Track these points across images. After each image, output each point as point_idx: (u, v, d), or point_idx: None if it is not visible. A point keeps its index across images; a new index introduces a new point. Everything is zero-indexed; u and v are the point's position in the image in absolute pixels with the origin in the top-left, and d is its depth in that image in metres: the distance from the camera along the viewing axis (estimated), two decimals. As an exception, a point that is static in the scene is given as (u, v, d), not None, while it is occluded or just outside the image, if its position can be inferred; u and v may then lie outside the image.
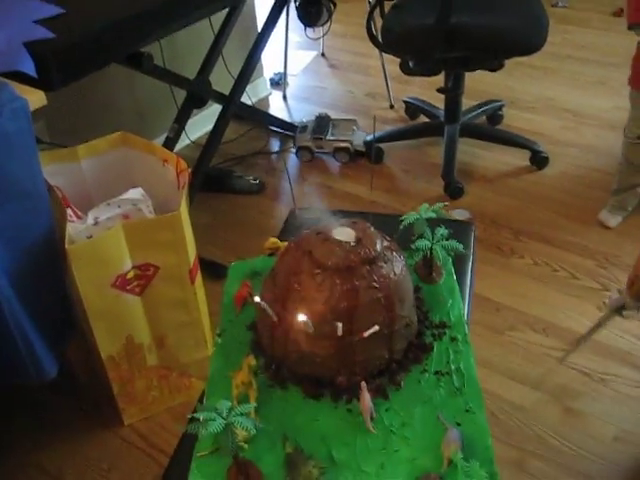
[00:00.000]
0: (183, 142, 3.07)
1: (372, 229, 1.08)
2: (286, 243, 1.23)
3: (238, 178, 2.83)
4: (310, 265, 1.02)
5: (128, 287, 1.69)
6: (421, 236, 1.21)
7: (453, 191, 2.67)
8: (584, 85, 3.48)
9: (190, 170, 1.79)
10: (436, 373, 1.08)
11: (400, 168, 2.93)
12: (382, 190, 2.78)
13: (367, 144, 2.92)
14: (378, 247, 1.05)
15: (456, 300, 1.21)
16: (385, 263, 1.04)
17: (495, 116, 3.13)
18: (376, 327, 0.99)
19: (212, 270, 2.20)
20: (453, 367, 1.08)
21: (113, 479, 1.80)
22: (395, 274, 1.05)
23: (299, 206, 1.44)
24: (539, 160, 2.82)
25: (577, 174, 2.81)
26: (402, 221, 1.23)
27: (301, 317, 0.99)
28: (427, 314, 1.18)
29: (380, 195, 2.75)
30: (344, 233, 1.04)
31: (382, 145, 2.95)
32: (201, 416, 0.88)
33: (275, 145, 3.17)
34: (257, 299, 1.04)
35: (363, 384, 1.02)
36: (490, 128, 3.12)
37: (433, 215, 1.21)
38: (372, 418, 1.01)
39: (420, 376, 1.08)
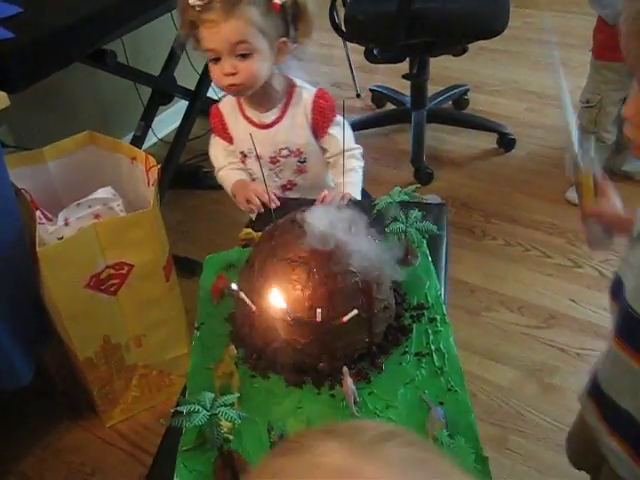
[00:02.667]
0: (151, 140, 3.04)
1: (347, 213, 1.08)
2: (260, 233, 1.22)
3: (207, 174, 2.81)
4: (286, 253, 1.02)
5: (102, 287, 1.67)
6: (395, 219, 1.21)
7: (423, 176, 2.68)
8: (546, 67, 3.50)
9: (159, 167, 1.77)
10: (417, 354, 1.08)
11: (369, 156, 2.86)
12: (352, 179, 2.78)
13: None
14: (353, 231, 1.05)
15: (432, 281, 1.22)
16: (361, 247, 1.04)
17: (461, 101, 3.15)
18: (355, 311, 1.00)
19: (186, 267, 2.18)
20: (433, 347, 1.09)
21: (97, 482, 1.78)
22: (372, 258, 1.05)
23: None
24: (506, 142, 2.85)
25: (543, 154, 2.84)
26: (375, 205, 1.23)
27: (279, 305, 0.99)
28: (404, 296, 1.19)
29: (351, 184, 2.75)
30: (318, 219, 1.04)
31: (350, 134, 2.95)
32: (184, 409, 0.88)
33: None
34: (234, 286, 1.04)
35: (345, 369, 1.02)
36: (457, 112, 3.14)
37: (406, 198, 1.21)
38: (356, 402, 1.01)
39: (401, 358, 1.08)
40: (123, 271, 1.69)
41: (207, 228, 2.62)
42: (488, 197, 2.62)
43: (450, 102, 3.15)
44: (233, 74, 1.42)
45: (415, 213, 1.22)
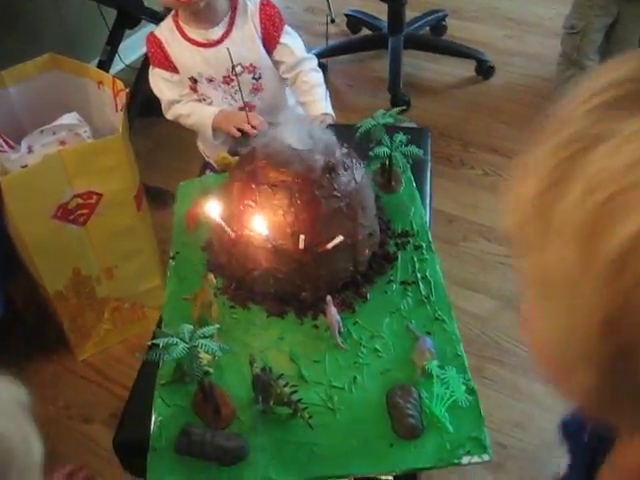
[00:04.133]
0: (117, 66, 2.90)
1: (329, 135, 1.02)
2: (237, 158, 1.16)
3: (177, 101, 2.70)
4: (267, 176, 0.96)
5: (71, 217, 1.60)
6: (379, 143, 1.15)
7: (400, 103, 2.59)
8: (527, -8, 3.42)
9: (128, 91, 1.68)
10: (402, 283, 1.05)
11: (344, 83, 2.84)
12: (327, 106, 2.70)
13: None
14: (337, 154, 0.99)
15: (417, 208, 1.18)
16: (345, 171, 0.99)
17: (439, 27, 3.05)
18: (340, 237, 0.95)
19: (157, 197, 2.11)
20: (419, 276, 1.05)
21: (72, 416, 1.75)
22: (356, 182, 1.00)
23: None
24: (485, 70, 2.77)
25: (523, 83, 2.78)
26: (358, 129, 1.17)
27: (260, 232, 0.94)
28: (389, 223, 1.14)
29: (325, 112, 2.67)
30: (300, 140, 0.98)
31: (324, 60, 2.84)
32: (162, 342, 0.83)
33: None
34: (212, 214, 0.98)
35: (329, 298, 0.98)
36: (435, 39, 3.04)
37: (390, 121, 1.15)
38: (340, 332, 0.98)
39: (386, 287, 1.05)
40: (92, 200, 1.62)
41: (177, 158, 2.52)
42: (466, 126, 2.56)
43: (427, 28, 3.04)
44: None
45: (400, 137, 1.17)
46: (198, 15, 1.44)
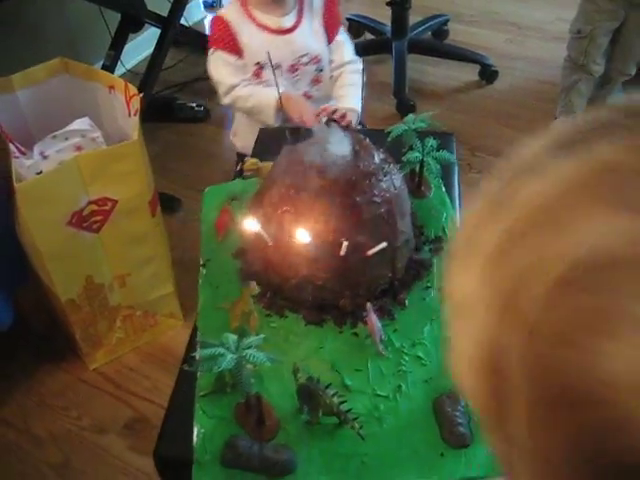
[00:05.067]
0: (118, 71, 2.87)
1: (368, 140, 1.01)
2: (267, 164, 1.14)
3: (182, 106, 2.68)
4: (308, 181, 0.95)
5: (85, 224, 1.57)
6: (411, 148, 1.14)
7: (405, 109, 2.60)
8: (526, -3, 3.43)
9: (141, 95, 1.66)
10: (440, 289, 1.03)
11: (349, 89, 2.83)
12: (332, 112, 2.69)
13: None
14: (376, 159, 0.98)
15: (449, 213, 1.17)
16: (385, 176, 0.98)
17: (441, 31, 3.05)
18: (384, 243, 0.93)
19: (165, 203, 2.08)
20: (457, 281, 1.03)
21: (85, 427, 1.71)
22: (395, 187, 0.98)
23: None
24: (489, 74, 2.78)
25: (525, 87, 2.78)
26: (389, 134, 1.16)
27: (302, 238, 0.92)
28: (422, 229, 1.13)
29: (331, 117, 2.66)
30: (341, 145, 0.96)
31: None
32: (207, 353, 0.81)
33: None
34: (250, 223, 0.96)
35: (369, 305, 0.97)
36: (439, 43, 3.04)
37: (423, 125, 1.14)
38: (381, 340, 0.96)
39: (424, 293, 1.03)
40: (107, 207, 1.59)
41: (184, 163, 2.51)
42: (472, 130, 2.56)
43: (429, 33, 3.04)
44: None
45: (431, 141, 1.15)
46: (268, 2, 1.46)
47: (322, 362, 0.95)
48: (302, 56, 1.50)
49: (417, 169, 1.16)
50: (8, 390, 1.81)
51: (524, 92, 2.75)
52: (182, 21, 2.90)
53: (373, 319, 0.95)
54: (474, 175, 2.37)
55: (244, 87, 1.53)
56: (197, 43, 3.02)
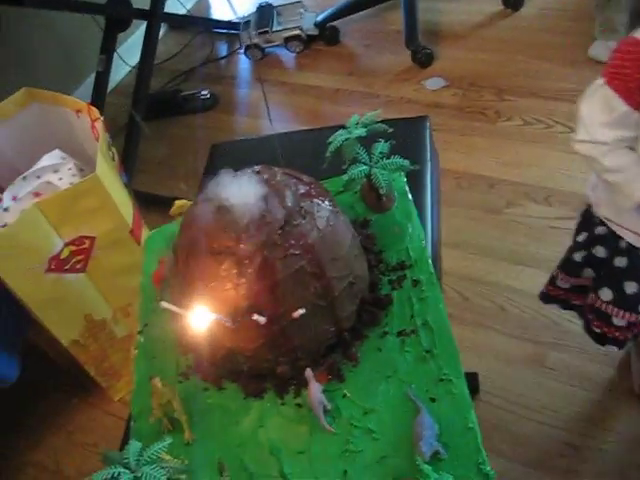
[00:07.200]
0: (123, 70, 2.77)
1: (280, 176, 0.84)
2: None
3: (187, 97, 2.55)
4: (208, 245, 0.80)
5: (66, 267, 1.50)
6: (355, 160, 0.96)
7: (422, 58, 2.36)
8: None
9: (102, 119, 1.54)
10: (399, 334, 0.87)
11: (360, 44, 2.61)
12: (344, 74, 2.48)
13: (319, 25, 2.59)
14: (289, 200, 0.81)
15: (415, 227, 0.98)
16: (303, 218, 0.81)
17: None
18: (301, 311, 0.78)
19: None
20: (419, 322, 0.87)
21: (111, 465, 1.67)
22: (319, 229, 0.82)
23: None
24: (513, 0, 2.47)
25: (557, 8, 2.46)
26: (328, 145, 0.98)
27: (210, 315, 0.78)
28: (381, 255, 0.96)
29: (343, 80, 2.46)
30: (243, 194, 0.81)
31: (336, 23, 2.61)
32: (97, 477, 0.70)
33: (222, 50, 2.84)
34: (163, 304, 0.82)
35: (308, 372, 0.82)
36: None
37: (363, 133, 0.95)
38: (326, 412, 0.82)
39: (380, 342, 0.87)
40: (85, 245, 1.51)
41: (196, 159, 2.39)
42: (499, 70, 2.29)
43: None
44: None
45: (380, 147, 0.97)
46: None
47: (259, 447, 0.82)
48: None
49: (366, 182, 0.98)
50: (40, 431, 1.80)
51: (556, 14, 2.43)
52: (179, 6, 2.76)
53: (313, 390, 0.81)
54: (503, 123, 2.13)
55: (615, 153, 1.02)
56: (197, 26, 2.88)
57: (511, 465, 1.42)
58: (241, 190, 0.80)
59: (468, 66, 2.33)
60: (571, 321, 1.61)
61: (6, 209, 1.46)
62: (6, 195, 1.54)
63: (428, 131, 1.16)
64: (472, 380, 1.52)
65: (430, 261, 0.93)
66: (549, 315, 1.63)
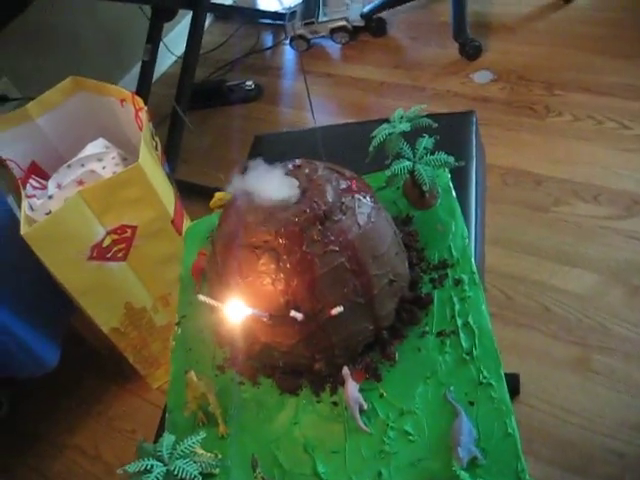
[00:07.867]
0: (169, 59, 2.79)
1: (321, 170, 0.83)
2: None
3: (232, 87, 2.55)
4: (246, 239, 0.79)
5: (108, 255, 1.50)
6: (398, 156, 0.94)
7: (470, 51, 2.31)
8: None
9: (146, 108, 1.54)
10: (439, 334, 0.85)
11: (407, 36, 2.57)
12: (390, 66, 2.45)
13: (366, 16, 2.56)
14: (330, 196, 0.80)
15: (459, 224, 0.96)
16: (344, 214, 0.80)
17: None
18: (339, 308, 0.77)
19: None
20: (460, 322, 0.85)
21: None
22: (360, 225, 0.80)
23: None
24: (566, -9, 2.41)
25: (613, -2, 2.39)
26: (371, 140, 0.96)
27: (247, 309, 0.77)
28: (422, 253, 0.94)
29: (389, 73, 2.42)
30: (281, 187, 0.79)
31: (382, 14, 2.58)
32: (132, 468, 0.70)
33: (268, 40, 2.84)
34: (200, 296, 0.81)
35: (345, 370, 0.81)
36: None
37: (407, 128, 0.93)
38: (362, 411, 0.80)
39: (419, 342, 0.85)
40: (127, 234, 1.51)
41: (240, 149, 2.39)
42: (549, 63, 2.23)
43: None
44: None
45: (425, 142, 0.95)
46: None
47: (293, 444, 0.81)
48: None
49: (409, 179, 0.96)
50: (80, 415, 1.83)
51: (610, 5, 2.36)
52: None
53: (350, 389, 0.79)
54: (553, 119, 2.07)
55: None
56: (243, 16, 2.88)
57: (551, 470, 1.39)
58: (281, 184, 0.79)
59: (517, 59, 2.28)
60: (618, 324, 1.57)
61: (50, 197, 1.48)
62: (51, 183, 1.55)
63: (474, 127, 1.13)
64: (513, 381, 1.48)
65: (473, 260, 0.91)
66: (595, 317, 1.59)
